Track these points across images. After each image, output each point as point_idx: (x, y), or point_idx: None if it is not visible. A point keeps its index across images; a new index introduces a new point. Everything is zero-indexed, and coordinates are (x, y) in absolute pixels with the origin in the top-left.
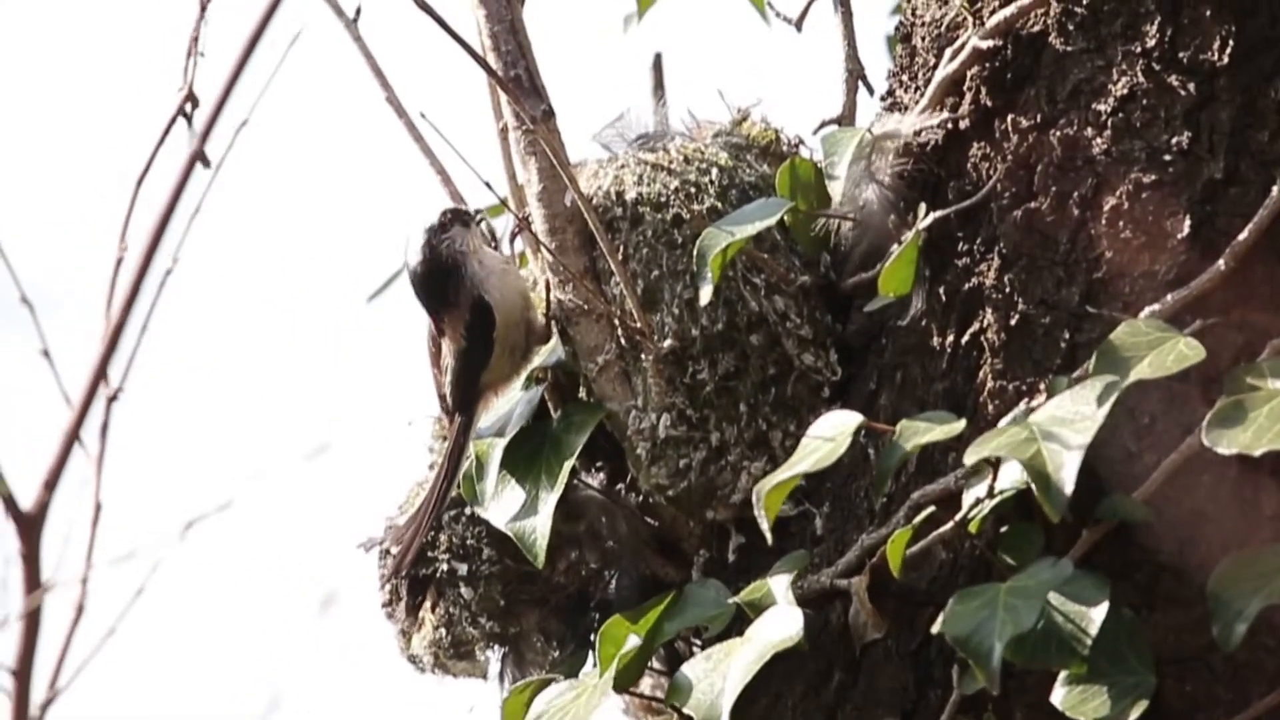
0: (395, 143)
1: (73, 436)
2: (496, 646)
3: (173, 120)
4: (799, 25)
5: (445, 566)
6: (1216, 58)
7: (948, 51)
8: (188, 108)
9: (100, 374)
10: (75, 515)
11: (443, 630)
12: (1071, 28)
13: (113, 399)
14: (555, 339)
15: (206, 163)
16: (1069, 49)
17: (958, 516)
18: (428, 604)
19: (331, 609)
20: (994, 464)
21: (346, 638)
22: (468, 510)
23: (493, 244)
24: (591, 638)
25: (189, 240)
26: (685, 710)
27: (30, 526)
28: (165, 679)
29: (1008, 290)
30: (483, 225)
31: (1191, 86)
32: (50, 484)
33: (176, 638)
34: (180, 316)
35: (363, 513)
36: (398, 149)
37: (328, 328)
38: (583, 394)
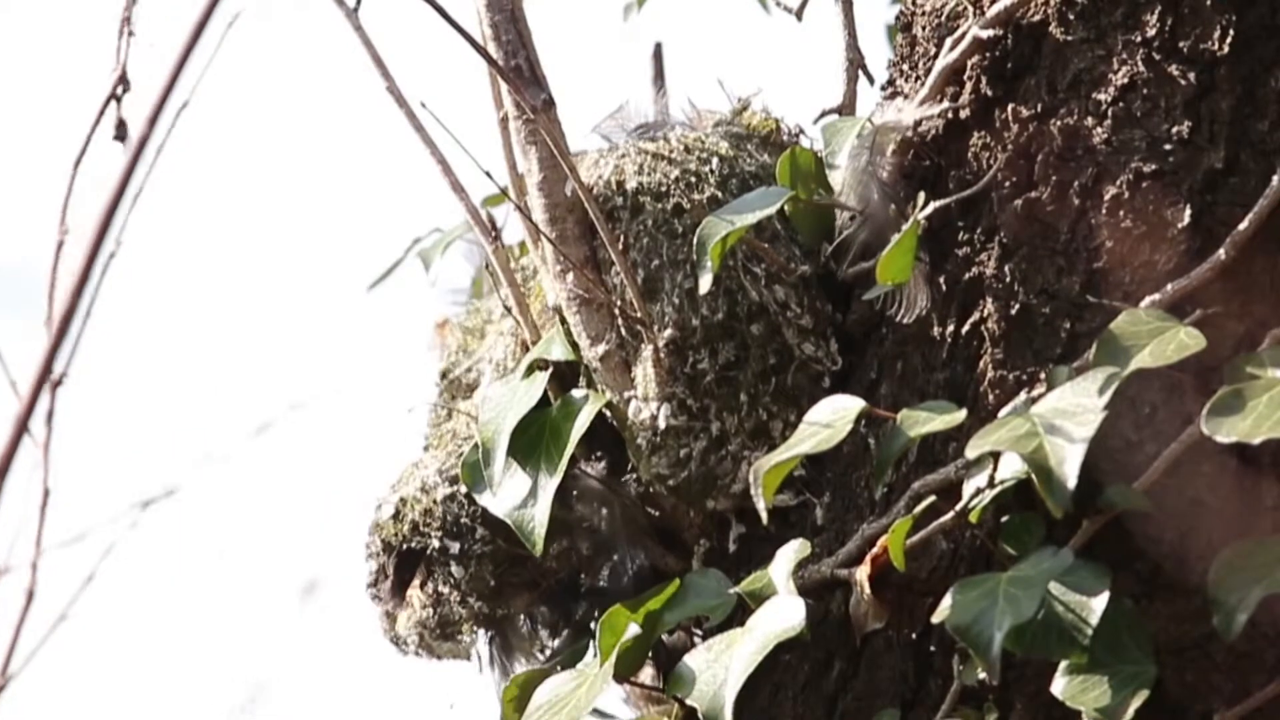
0: (396, 132)
1: (22, 424)
2: (483, 629)
3: (105, 103)
4: (799, 14)
5: (437, 544)
6: (1217, 47)
7: (948, 41)
8: (119, 90)
9: (49, 360)
10: (25, 501)
11: (429, 610)
12: (1072, 17)
13: (57, 384)
14: (555, 328)
15: (142, 153)
16: (1069, 38)
17: (958, 506)
18: (416, 582)
19: (312, 597)
20: (995, 454)
21: (328, 626)
22: (463, 487)
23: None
24: (591, 626)
25: (173, 227)
26: (688, 701)
27: None
28: (120, 664)
29: (1008, 280)
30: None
31: (1192, 76)
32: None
33: (132, 623)
34: (131, 301)
35: (342, 499)
36: (398, 138)
37: (316, 312)
38: (583, 383)
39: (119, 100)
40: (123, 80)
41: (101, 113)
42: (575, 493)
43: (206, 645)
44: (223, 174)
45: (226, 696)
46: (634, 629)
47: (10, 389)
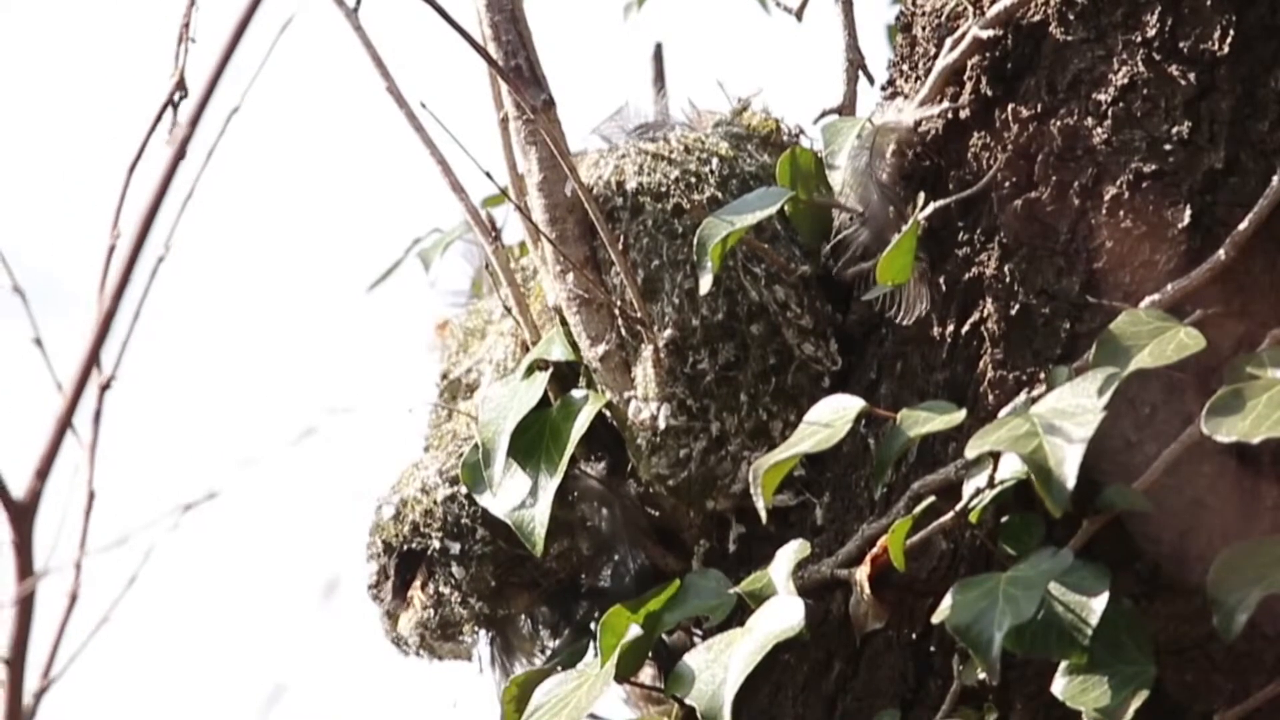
0: (396, 132)
1: (64, 424)
2: (484, 630)
3: (163, 108)
4: (799, 15)
5: (438, 544)
6: (1217, 47)
7: (948, 41)
8: (177, 95)
9: (91, 361)
10: (68, 503)
11: (431, 610)
12: (1072, 17)
13: (105, 387)
14: (555, 328)
15: (184, 155)
16: (1069, 38)
17: (958, 506)
18: (417, 583)
19: (334, 597)
20: (994, 455)
21: (349, 626)
22: (463, 487)
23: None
24: (592, 626)
25: (186, 228)
26: (688, 701)
27: (22, 515)
28: (162, 666)
29: (1008, 280)
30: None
31: (1192, 76)
32: (42, 472)
33: (174, 626)
34: (175, 304)
35: (362, 499)
36: (398, 139)
37: (322, 315)
38: (583, 383)
39: (176, 106)
40: (180, 86)
41: (158, 118)
42: (575, 493)
43: (230, 645)
44: (221, 172)
45: (248, 696)
46: (635, 629)
47: (57, 390)
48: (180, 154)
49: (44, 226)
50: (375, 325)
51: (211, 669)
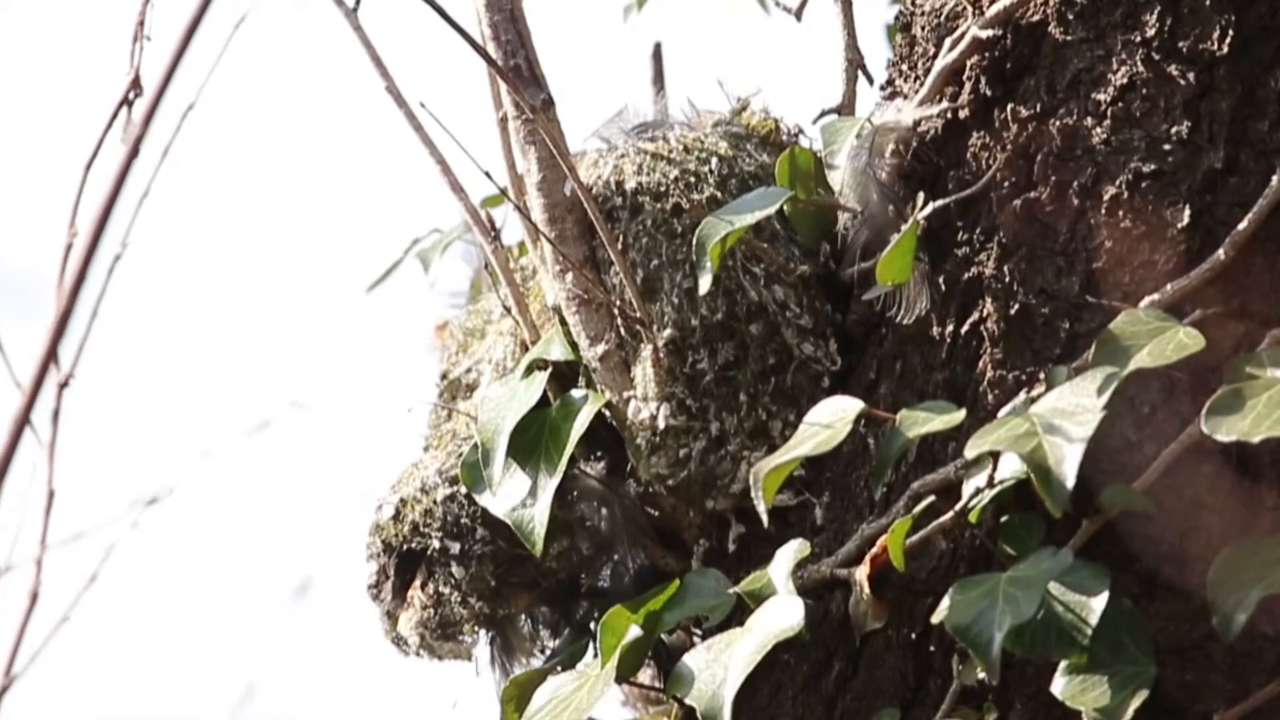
0: (395, 132)
1: (22, 422)
2: (484, 630)
3: (118, 107)
4: (799, 14)
5: (437, 544)
6: (1216, 47)
7: (947, 41)
8: (133, 94)
9: (49, 359)
10: (28, 501)
11: (430, 610)
12: (1071, 17)
13: (64, 385)
14: (555, 328)
15: (137, 153)
16: (1068, 38)
17: (958, 506)
18: (417, 583)
19: (305, 597)
20: (994, 454)
21: (321, 626)
22: (463, 487)
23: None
24: (591, 626)
25: (157, 226)
26: (687, 701)
27: None
28: (126, 665)
29: (1007, 280)
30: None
31: (1191, 76)
32: (0, 471)
33: (137, 624)
34: (136, 302)
35: (335, 498)
36: (398, 139)
37: (301, 312)
38: (582, 383)
39: (130, 104)
40: (136, 84)
41: (114, 116)
42: (575, 492)
43: (200, 645)
44: (221, 173)
45: (219, 696)
46: (634, 629)
47: (15, 389)
48: (134, 152)
49: (1, 225)
50: (375, 325)
51: (177, 668)
